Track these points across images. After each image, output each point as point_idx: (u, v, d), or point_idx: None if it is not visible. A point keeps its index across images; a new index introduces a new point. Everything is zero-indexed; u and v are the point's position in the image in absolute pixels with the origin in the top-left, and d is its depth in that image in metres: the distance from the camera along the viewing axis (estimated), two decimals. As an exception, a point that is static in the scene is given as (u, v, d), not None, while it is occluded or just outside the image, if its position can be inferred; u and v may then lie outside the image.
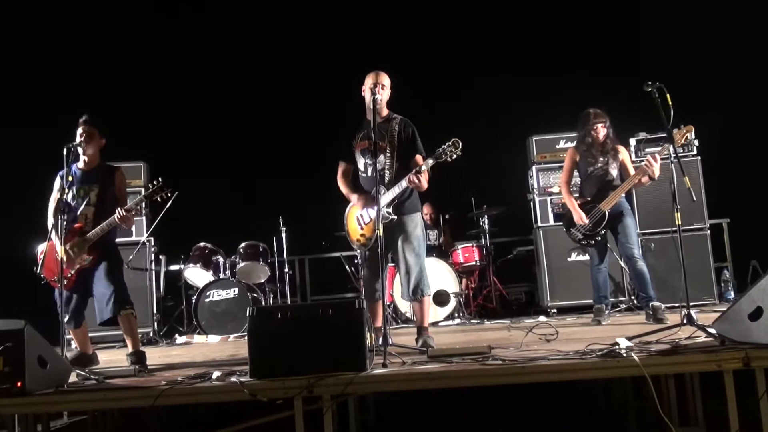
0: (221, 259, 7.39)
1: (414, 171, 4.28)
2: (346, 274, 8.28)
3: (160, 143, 8.25)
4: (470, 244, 7.81)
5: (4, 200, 7.44)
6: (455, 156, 4.25)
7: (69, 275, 4.45)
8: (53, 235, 4.40)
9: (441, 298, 7.12)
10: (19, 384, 3.24)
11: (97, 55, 8.48)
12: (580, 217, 5.43)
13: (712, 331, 3.39)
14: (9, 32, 8.04)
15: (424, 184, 4.31)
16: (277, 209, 7.86)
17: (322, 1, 9.02)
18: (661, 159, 5.23)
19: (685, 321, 3.86)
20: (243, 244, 7.48)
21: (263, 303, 7.26)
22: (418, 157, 4.46)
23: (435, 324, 6.82)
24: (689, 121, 5.06)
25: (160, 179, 4.52)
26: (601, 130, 5.44)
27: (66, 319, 4.52)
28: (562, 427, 4.32)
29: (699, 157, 6.90)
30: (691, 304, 3.97)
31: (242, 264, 7.38)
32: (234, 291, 7.05)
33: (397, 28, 8.97)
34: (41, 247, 4.59)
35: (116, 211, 4.43)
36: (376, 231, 4.03)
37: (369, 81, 4.44)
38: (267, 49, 8.99)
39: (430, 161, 4.30)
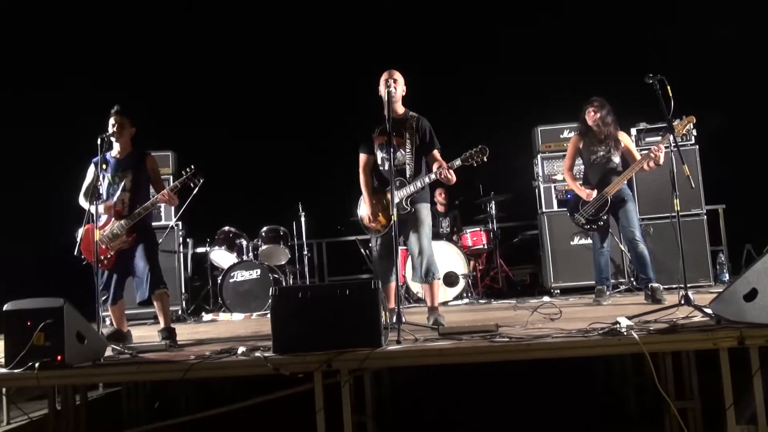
0: (244, 242, 7.43)
1: (446, 166, 4.29)
2: (361, 257, 8.30)
3: (186, 132, 8.27)
4: (478, 229, 7.82)
5: (45, 189, 7.51)
6: (481, 162, 4.29)
7: (109, 255, 4.52)
8: (90, 219, 4.45)
9: (450, 279, 7.13)
10: (59, 357, 3.30)
11: (130, 51, 8.53)
12: (588, 193, 5.39)
13: (709, 311, 3.37)
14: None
15: (454, 178, 4.34)
16: (297, 195, 7.89)
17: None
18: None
19: (682, 301, 3.84)
20: (265, 228, 7.52)
21: (284, 283, 7.29)
22: (436, 152, 4.49)
23: (445, 303, 6.84)
24: (690, 113, 5.02)
25: (192, 166, 4.54)
26: (592, 114, 5.42)
27: (104, 297, 4.59)
28: (564, 401, 4.33)
29: (697, 146, 6.86)
30: (688, 285, 3.95)
31: (264, 247, 7.42)
32: (256, 272, 7.10)
33: (405, 27, 8.93)
34: (80, 231, 4.63)
35: (161, 191, 4.49)
36: (392, 218, 4.05)
37: (383, 77, 4.45)
38: (291, 42, 8.96)
39: (457, 162, 4.33)
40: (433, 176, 4.37)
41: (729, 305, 3.17)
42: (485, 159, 4.30)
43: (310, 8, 8.94)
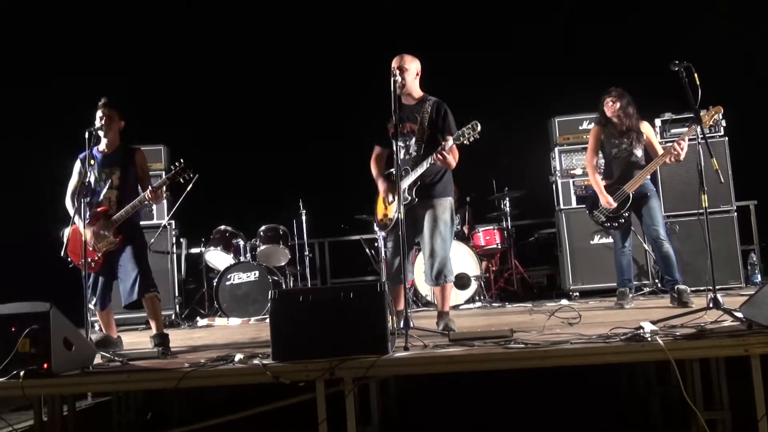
0: (242, 242, 7.44)
1: (438, 149, 4.26)
2: (366, 257, 8.30)
3: (180, 126, 8.30)
4: (491, 227, 7.79)
5: (30, 186, 7.55)
6: (473, 139, 4.22)
7: (96, 258, 4.53)
8: (76, 218, 4.46)
9: (462, 281, 7.11)
10: (45, 365, 3.31)
11: (124, 44, 8.58)
12: (607, 200, 5.39)
13: (739, 315, 3.36)
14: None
15: (452, 162, 4.31)
16: (297, 192, 7.89)
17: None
18: (688, 140, 5.18)
19: (711, 305, 3.82)
20: (263, 227, 7.52)
21: (283, 286, 7.30)
22: (448, 138, 4.46)
23: (456, 307, 6.83)
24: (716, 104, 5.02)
25: (182, 161, 4.55)
26: (611, 104, 5.43)
27: (93, 302, 4.60)
28: (584, 411, 4.32)
29: (726, 138, 6.81)
30: (717, 287, 3.93)
31: (262, 247, 7.42)
32: (254, 274, 7.11)
33: (406, 19, 8.93)
34: (66, 231, 4.64)
35: (147, 188, 4.48)
36: (396, 213, 4.03)
37: (393, 65, 4.41)
38: (293, 35, 8.98)
39: (449, 142, 4.28)
40: (430, 160, 4.30)
41: (761, 308, 3.16)
42: (477, 135, 4.20)
43: (313, 3, 8.94)
